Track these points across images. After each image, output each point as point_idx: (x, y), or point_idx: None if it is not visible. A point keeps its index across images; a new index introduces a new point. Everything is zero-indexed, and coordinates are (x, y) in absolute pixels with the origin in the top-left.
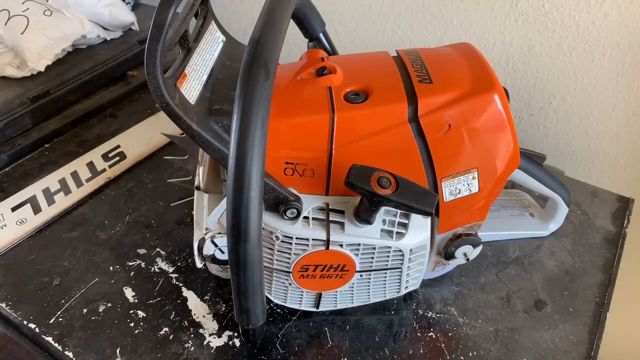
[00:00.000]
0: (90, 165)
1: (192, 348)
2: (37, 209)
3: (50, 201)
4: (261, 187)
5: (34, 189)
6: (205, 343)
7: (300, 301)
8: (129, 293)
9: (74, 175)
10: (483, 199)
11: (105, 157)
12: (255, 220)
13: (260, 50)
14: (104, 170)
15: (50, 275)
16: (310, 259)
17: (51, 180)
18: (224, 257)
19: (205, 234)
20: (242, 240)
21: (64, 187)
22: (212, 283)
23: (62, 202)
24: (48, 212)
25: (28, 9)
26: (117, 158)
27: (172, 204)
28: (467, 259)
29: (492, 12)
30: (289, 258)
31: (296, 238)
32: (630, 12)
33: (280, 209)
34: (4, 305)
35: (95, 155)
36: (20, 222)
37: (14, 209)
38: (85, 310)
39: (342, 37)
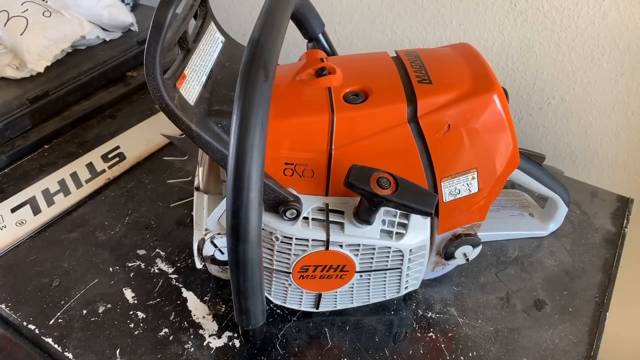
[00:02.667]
0: (90, 166)
1: (192, 349)
2: (36, 210)
3: (50, 202)
4: (261, 187)
5: (34, 190)
6: (205, 344)
7: (300, 302)
8: (128, 294)
9: (74, 176)
10: (483, 199)
11: (104, 158)
12: (255, 221)
13: (260, 51)
14: (103, 171)
15: (50, 276)
16: (310, 260)
17: (51, 182)
18: (224, 257)
19: (205, 234)
20: (241, 240)
21: (64, 188)
22: (211, 284)
23: (62, 203)
24: (47, 213)
25: (27, 9)
26: (117, 159)
27: (171, 205)
28: (467, 259)
29: (491, 12)
30: (289, 258)
31: (296, 238)
32: (629, 12)
33: (279, 209)
34: (3, 306)
35: (94, 156)
36: (20, 223)
37: (13, 210)
38: (85, 311)
39: (341, 38)
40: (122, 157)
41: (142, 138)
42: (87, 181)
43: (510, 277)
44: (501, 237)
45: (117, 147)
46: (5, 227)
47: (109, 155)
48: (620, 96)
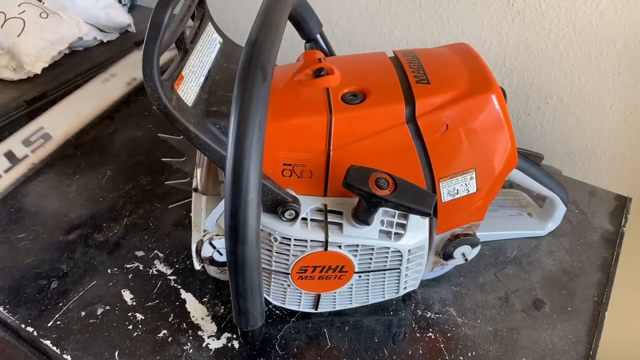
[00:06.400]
0: (9, 154)
1: (191, 350)
2: None
3: None
4: (259, 189)
5: None
6: (204, 345)
7: (299, 302)
8: (127, 295)
9: None
10: (481, 199)
11: (26, 142)
12: (254, 222)
13: (258, 52)
14: (26, 156)
15: (48, 278)
16: (309, 260)
17: None
18: (223, 259)
19: (204, 236)
20: (240, 242)
21: None
22: (210, 285)
23: None
24: None
25: (24, 11)
26: (42, 140)
27: (169, 206)
28: (466, 259)
29: (488, 12)
30: (288, 259)
31: (294, 239)
32: (627, 11)
33: (278, 210)
34: (1, 308)
35: (14, 142)
36: None
37: None
38: (83, 313)
39: (339, 38)
40: (47, 137)
41: (70, 113)
42: (7, 171)
43: (509, 277)
44: (500, 237)
45: (41, 128)
46: None
47: (31, 139)
48: (617, 95)
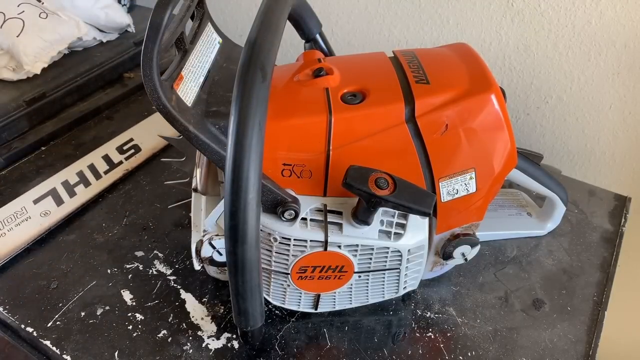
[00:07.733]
0: (106, 158)
1: (191, 350)
2: (59, 201)
3: (72, 193)
4: (259, 189)
5: (54, 182)
6: (203, 345)
7: (299, 302)
8: (127, 296)
9: (92, 167)
10: (481, 199)
11: (120, 150)
12: (253, 222)
13: (257, 52)
14: (120, 162)
15: (47, 278)
16: (309, 260)
17: (69, 173)
18: (222, 259)
19: (203, 236)
20: (240, 242)
21: (83, 180)
22: (210, 285)
23: (83, 194)
24: (71, 204)
25: (23, 11)
26: (132, 150)
27: (169, 206)
28: (465, 259)
29: (488, 12)
30: (287, 259)
31: (294, 239)
32: (626, 11)
33: (278, 210)
34: (1, 309)
35: (109, 148)
36: (45, 214)
37: (35, 202)
38: (83, 314)
39: (338, 38)
40: (137, 149)
41: (154, 130)
42: (106, 172)
43: (509, 277)
44: (499, 237)
45: (131, 139)
46: (30, 217)
47: (124, 147)
48: (617, 95)
